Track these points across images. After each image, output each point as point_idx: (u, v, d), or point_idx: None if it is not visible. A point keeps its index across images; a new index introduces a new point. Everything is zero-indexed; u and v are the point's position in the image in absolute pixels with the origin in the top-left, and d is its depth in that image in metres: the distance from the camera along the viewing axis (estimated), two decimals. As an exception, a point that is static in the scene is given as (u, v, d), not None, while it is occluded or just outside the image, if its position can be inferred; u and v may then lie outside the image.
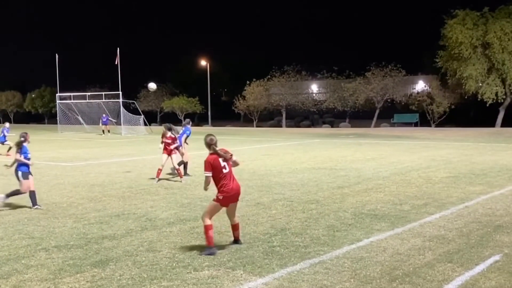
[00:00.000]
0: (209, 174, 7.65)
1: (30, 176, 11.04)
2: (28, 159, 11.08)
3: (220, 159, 7.71)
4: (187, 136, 16.82)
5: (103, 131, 42.36)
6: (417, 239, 8.07)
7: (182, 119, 61.19)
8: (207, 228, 7.55)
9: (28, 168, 11.05)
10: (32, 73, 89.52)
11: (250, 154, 23.08)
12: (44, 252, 7.61)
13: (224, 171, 7.71)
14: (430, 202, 11.02)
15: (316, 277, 6.40)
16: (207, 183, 7.75)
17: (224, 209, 7.87)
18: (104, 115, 43.98)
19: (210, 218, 7.63)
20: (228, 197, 7.70)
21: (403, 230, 8.66)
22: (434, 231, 8.56)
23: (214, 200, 7.72)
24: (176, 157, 15.15)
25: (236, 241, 8.05)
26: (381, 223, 9.20)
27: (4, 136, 25.05)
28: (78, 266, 6.96)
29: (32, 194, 11.04)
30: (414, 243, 7.85)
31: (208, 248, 7.49)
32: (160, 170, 14.79)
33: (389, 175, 15.24)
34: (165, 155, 14.91)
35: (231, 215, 8.03)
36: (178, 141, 15.31)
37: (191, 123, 17.53)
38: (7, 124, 26.75)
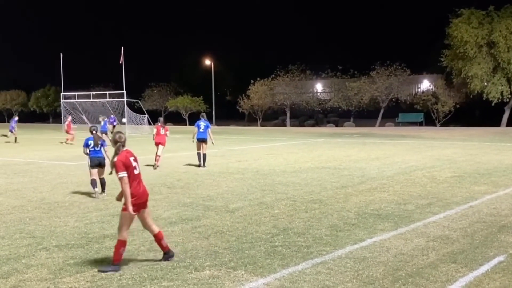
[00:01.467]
0: (125, 174, 6.77)
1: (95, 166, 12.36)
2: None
3: (131, 158, 6.95)
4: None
5: (111, 132, 42.01)
6: (421, 239, 7.99)
7: (187, 119, 61.28)
8: (120, 244, 6.74)
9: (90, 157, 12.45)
10: (37, 72, 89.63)
11: (254, 153, 23.02)
12: (45, 252, 7.57)
13: (135, 171, 6.93)
14: (434, 202, 10.93)
15: (318, 278, 6.33)
16: (126, 185, 6.73)
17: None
18: (112, 116, 43.46)
19: (126, 231, 6.88)
20: (140, 203, 6.87)
21: (406, 230, 8.58)
22: (438, 231, 8.47)
23: (123, 210, 6.81)
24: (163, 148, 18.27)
25: (167, 253, 7.09)
26: (384, 223, 9.12)
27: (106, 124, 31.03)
28: (78, 265, 6.92)
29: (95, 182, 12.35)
30: (417, 243, 7.77)
31: (112, 265, 6.70)
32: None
33: (393, 175, 15.15)
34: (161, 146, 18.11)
35: (148, 223, 7.07)
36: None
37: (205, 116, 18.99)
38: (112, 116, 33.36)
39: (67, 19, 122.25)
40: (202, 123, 17.98)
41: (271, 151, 23.94)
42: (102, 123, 31.21)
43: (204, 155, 17.68)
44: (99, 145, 12.25)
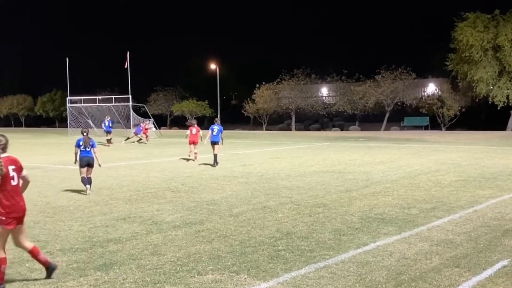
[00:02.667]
0: None
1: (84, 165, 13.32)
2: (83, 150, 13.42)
3: (11, 167, 6.21)
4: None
5: (139, 139, 37.43)
6: (425, 244, 7.97)
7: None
8: (0, 262, 6.15)
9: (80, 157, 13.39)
10: (43, 77, 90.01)
11: (259, 157, 23.03)
12: (49, 256, 7.54)
13: (13, 182, 6.22)
14: (438, 206, 10.90)
15: (321, 282, 6.33)
16: None
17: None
18: (147, 123, 40.14)
19: (3, 249, 6.21)
20: (15, 218, 6.22)
21: (410, 234, 8.56)
22: (442, 235, 8.45)
23: None
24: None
25: (48, 268, 6.53)
26: (388, 227, 9.11)
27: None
28: (82, 269, 6.93)
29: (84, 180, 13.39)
30: (421, 248, 7.75)
31: None
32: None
33: (397, 179, 15.12)
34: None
35: (19, 241, 6.45)
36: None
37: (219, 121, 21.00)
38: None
39: (73, 24, 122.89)
40: (216, 127, 19.86)
41: (276, 155, 23.94)
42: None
43: (216, 155, 19.37)
44: (90, 146, 13.31)
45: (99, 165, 13.73)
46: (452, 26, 45.84)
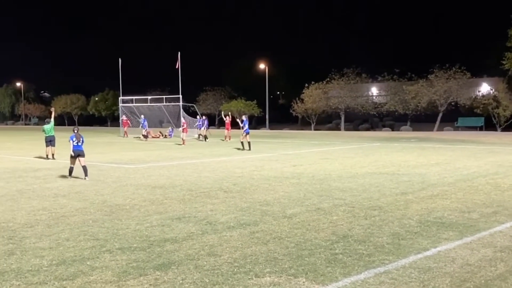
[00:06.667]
0: None
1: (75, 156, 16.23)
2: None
3: None
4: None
5: (200, 135, 39.64)
6: (488, 250, 7.69)
7: (240, 122, 61.57)
8: None
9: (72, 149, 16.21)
10: (96, 77, 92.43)
11: (309, 157, 22.86)
12: (109, 254, 7.71)
13: None
14: (500, 211, 10.52)
15: (381, 288, 6.18)
16: None
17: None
18: (201, 118, 41.09)
19: None
20: None
21: (472, 240, 8.27)
22: (505, 242, 8.13)
23: None
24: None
25: None
26: (448, 231, 8.83)
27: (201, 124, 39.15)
28: (141, 268, 7.00)
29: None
30: (484, 254, 7.48)
31: None
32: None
33: (454, 181, 14.70)
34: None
35: None
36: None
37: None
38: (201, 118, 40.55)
39: (127, 27, 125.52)
40: (247, 122, 28.17)
41: (326, 156, 23.72)
42: (200, 122, 40.06)
43: (249, 142, 27.51)
44: (81, 141, 16.18)
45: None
46: (508, 24, 44.36)
